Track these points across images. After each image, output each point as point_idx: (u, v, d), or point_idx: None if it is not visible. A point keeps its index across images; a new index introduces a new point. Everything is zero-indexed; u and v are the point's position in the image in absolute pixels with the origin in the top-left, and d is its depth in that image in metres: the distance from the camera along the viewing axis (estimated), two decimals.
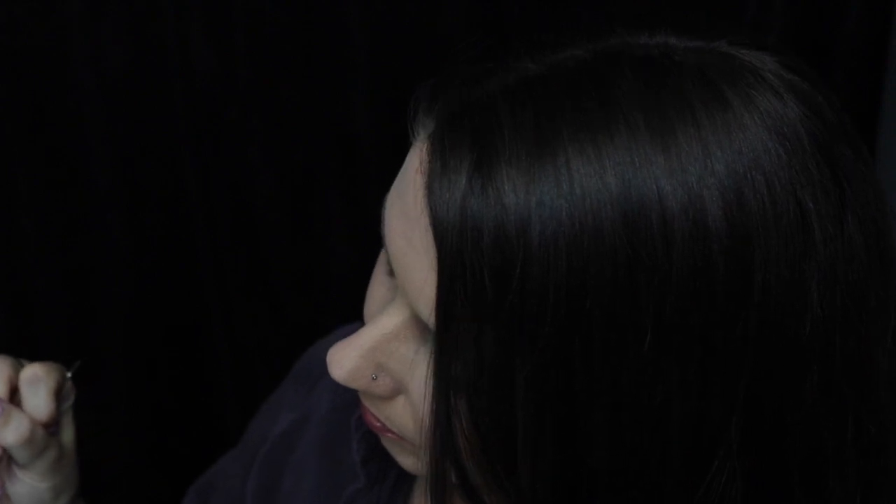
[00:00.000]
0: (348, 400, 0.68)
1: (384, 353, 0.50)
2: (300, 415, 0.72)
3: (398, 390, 0.51)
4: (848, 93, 1.14)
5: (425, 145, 0.45)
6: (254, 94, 1.13)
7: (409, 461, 0.54)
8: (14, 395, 0.65)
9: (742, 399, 0.43)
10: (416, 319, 0.48)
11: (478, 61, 0.47)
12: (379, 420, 0.53)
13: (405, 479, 0.64)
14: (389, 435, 0.53)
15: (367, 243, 0.68)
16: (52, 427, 0.64)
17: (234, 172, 1.16)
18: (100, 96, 1.12)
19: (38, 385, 0.66)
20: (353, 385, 0.50)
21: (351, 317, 0.61)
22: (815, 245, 0.42)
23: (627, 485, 0.44)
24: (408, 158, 0.48)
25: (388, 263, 0.49)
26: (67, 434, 0.66)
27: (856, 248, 0.43)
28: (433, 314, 0.45)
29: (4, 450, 0.62)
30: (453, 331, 0.44)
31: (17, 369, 0.67)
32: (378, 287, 0.52)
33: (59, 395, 0.66)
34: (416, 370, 0.49)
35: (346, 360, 0.50)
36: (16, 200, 1.15)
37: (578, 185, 0.41)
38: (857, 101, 1.14)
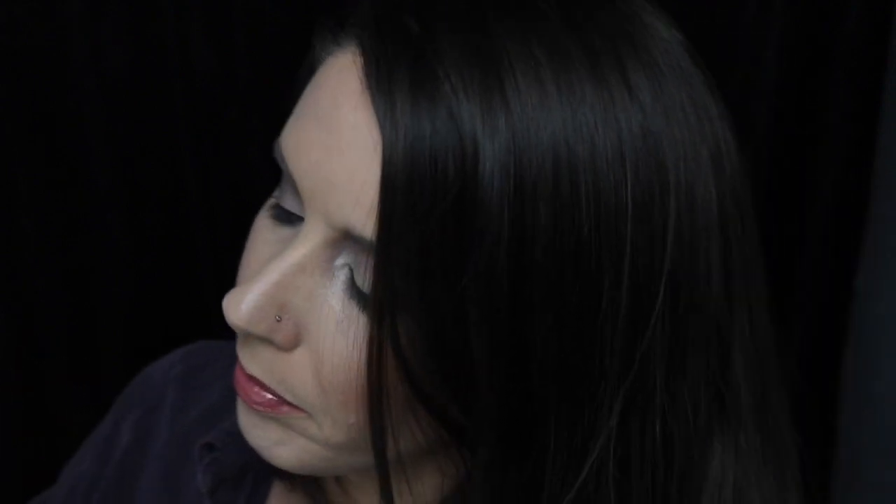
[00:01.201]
0: (187, 426, 0.64)
1: (290, 288, 0.46)
2: (135, 445, 0.67)
3: (298, 339, 0.47)
4: (848, 93, 1.14)
5: (353, 57, 0.45)
6: (254, 94, 1.13)
7: (296, 446, 0.49)
8: None
9: (666, 304, 0.45)
10: (326, 246, 0.45)
11: None
12: (270, 389, 0.48)
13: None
14: (284, 409, 0.48)
15: None
16: None
17: (234, 172, 1.16)
18: (100, 96, 1.12)
19: None
20: (254, 329, 0.46)
21: None
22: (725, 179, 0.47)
23: (572, 382, 0.45)
24: (319, 76, 0.47)
25: (278, 219, 0.48)
26: None
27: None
28: (372, 219, 0.43)
29: None
30: (396, 235, 0.42)
31: None
32: (262, 246, 0.49)
33: None
34: (323, 306, 0.46)
35: (248, 298, 0.46)
36: (16, 200, 1.15)
37: (524, 100, 0.42)
38: (857, 101, 1.14)
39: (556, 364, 0.44)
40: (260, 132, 1.14)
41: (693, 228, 0.45)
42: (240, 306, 0.46)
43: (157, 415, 0.67)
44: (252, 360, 0.48)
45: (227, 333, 0.50)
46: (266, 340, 0.47)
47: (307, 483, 0.59)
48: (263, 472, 0.60)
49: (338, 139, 0.44)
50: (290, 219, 0.48)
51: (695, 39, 1.28)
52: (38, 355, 1.20)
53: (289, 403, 0.48)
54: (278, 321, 0.46)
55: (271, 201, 0.50)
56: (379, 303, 0.44)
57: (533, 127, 0.42)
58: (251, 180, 1.16)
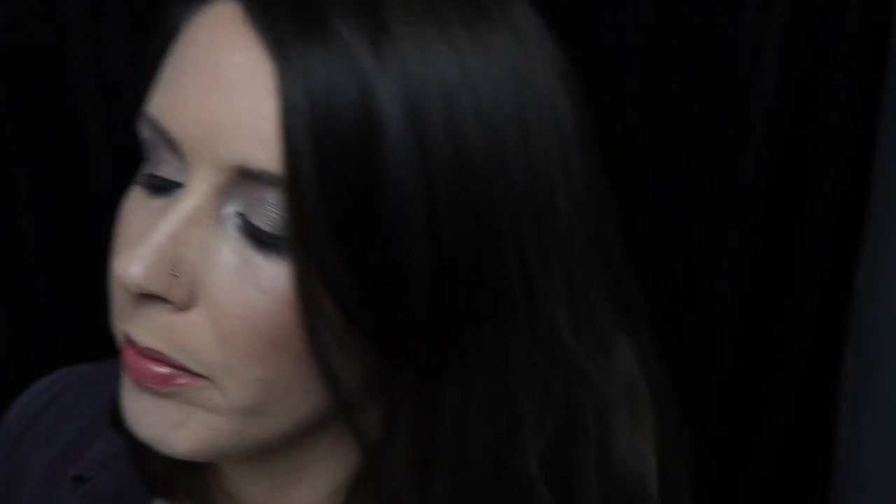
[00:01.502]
0: (57, 458, 0.61)
1: (182, 242, 0.45)
2: (3, 490, 0.63)
3: (194, 297, 0.45)
4: (848, 93, 1.14)
5: (229, 5, 0.46)
6: None
7: (199, 425, 0.47)
8: None
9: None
10: (215, 195, 0.45)
11: None
12: (167, 360, 0.46)
13: None
14: (182, 381, 0.46)
15: None
16: None
17: None
18: (100, 96, 1.12)
19: None
20: (152, 286, 0.45)
21: None
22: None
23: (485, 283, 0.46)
24: (188, 35, 0.47)
25: (150, 189, 0.48)
26: None
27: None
28: (274, 145, 0.43)
29: None
30: (304, 161, 0.42)
31: None
32: (137, 221, 0.48)
33: None
34: (217, 255, 0.45)
35: (141, 255, 0.45)
36: (16, 200, 1.15)
37: (409, 27, 0.44)
38: (857, 101, 1.14)
39: (465, 262, 0.45)
40: None
41: (549, 155, 0.48)
42: (133, 265, 0.45)
43: (21, 455, 0.64)
44: (146, 330, 0.47)
45: None
46: (161, 302, 0.46)
47: (193, 492, 0.56)
48: (140, 496, 0.57)
49: (221, 82, 0.44)
50: (165, 187, 0.47)
51: (695, 39, 1.28)
52: (38, 355, 1.20)
53: (188, 372, 0.46)
54: (175, 277, 0.45)
55: (141, 176, 0.49)
56: (297, 237, 0.43)
57: (423, 52, 0.44)
58: None
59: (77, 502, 0.56)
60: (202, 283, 0.45)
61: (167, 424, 0.47)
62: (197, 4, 0.48)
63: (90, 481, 0.57)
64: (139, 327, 0.47)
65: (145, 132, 0.48)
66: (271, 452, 0.51)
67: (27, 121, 1.13)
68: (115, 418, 0.54)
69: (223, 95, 0.44)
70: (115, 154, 1.15)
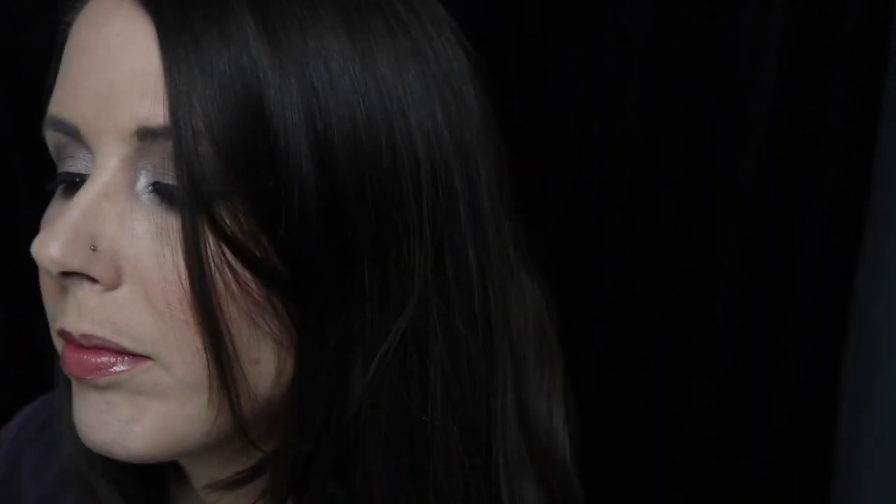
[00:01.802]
0: (48, 489, 0.61)
1: (97, 217, 0.45)
2: None
3: (120, 273, 0.45)
4: (848, 93, 1.14)
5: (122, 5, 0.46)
6: None
7: (152, 416, 0.46)
8: None
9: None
10: (123, 168, 0.45)
11: None
12: (105, 345, 0.45)
13: None
14: (125, 366, 0.45)
15: None
16: None
17: None
18: None
19: None
20: (71, 262, 0.44)
21: None
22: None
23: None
24: (70, 34, 0.48)
25: (65, 187, 0.48)
26: None
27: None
28: (162, 105, 0.43)
29: None
30: (186, 104, 0.43)
31: None
32: (54, 217, 0.48)
33: None
34: (135, 226, 0.45)
35: (56, 232, 0.44)
36: (16, 200, 1.15)
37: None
38: (857, 101, 1.14)
39: (365, 205, 0.45)
40: None
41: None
42: (50, 243, 0.44)
43: (13, 486, 0.63)
44: (78, 315, 0.46)
45: None
46: (88, 282, 0.45)
47: None
48: None
49: (107, 54, 0.45)
50: (78, 181, 0.47)
51: (695, 39, 1.28)
52: (38, 355, 1.20)
53: (129, 353, 0.45)
54: (94, 251, 0.45)
55: (54, 184, 0.49)
56: (186, 189, 0.43)
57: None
58: None
59: None
60: (125, 257, 0.45)
61: (119, 422, 0.46)
62: (77, 5, 0.49)
63: None
64: (70, 315, 0.46)
65: (50, 136, 0.48)
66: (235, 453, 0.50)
67: (27, 121, 1.13)
68: (76, 476, 0.55)
69: (111, 65, 0.45)
70: None
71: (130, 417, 0.46)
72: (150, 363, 0.45)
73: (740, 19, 1.12)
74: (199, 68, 0.43)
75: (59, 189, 0.49)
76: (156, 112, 0.44)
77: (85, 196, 0.45)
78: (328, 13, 0.46)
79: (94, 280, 0.45)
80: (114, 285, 0.45)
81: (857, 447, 1.16)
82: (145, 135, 0.44)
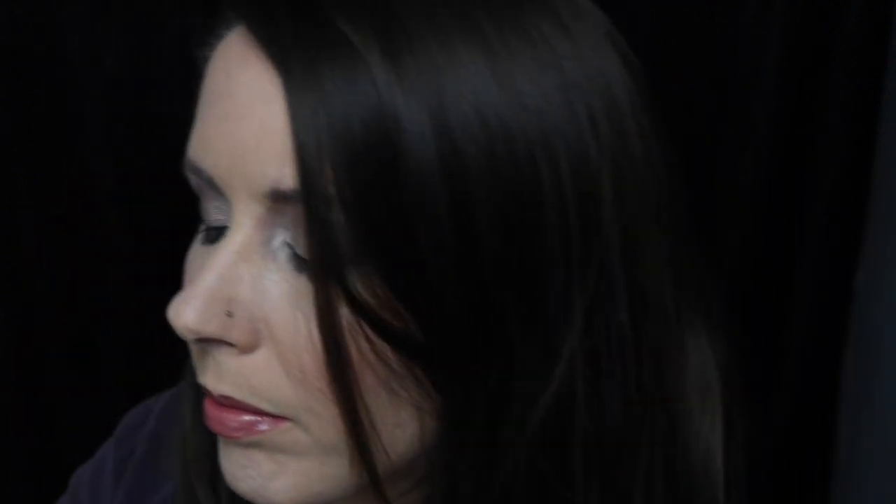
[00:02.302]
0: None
1: (233, 280, 0.43)
2: None
3: (257, 337, 0.44)
4: (848, 93, 1.14)
5: (240, 32, 0.44)
6: None
7: (292, 473, 0.46)
8: None
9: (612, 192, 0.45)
10: (259, 227, 0.43)
11: None
12: (245, 406, 0.45)
13: None
14: (264, 427, 0.45)
15: None
16: None
17: None
18: (100, 96, 1.12)
19: None
20: (207, 329, 0.43)
21: None
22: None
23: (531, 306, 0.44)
24: (207, 71, 0.46)
25: (207, 238, 0.46)
26: None
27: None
28: (291, 166, 0.41)
29: None
30: (318, 169, 0.40)
31: None
32: (192, 273, 0.47)
33: None
34: (272, 290, 0.43)
35: (192, 298, 0.43)
36: (16, 200, 1.15)
37: (423, 23, 0.42)
38: (857, 101, 1.14)
39: (509, 265, 0.43)
40: None
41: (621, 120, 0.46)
42: (185, 309, 0.43)
43: (152, 469, 0.62)
44: (218, 378, 0.45)
45: None
46: (225, 346, 0.44)
47: None
48: None
49: (237, 104, 0.43)
50: (220, 234, 0.46)
51: (695, 39, 1.28)
52: (38, 355, 1.20)
53: (268, 415, 0.45)
54: (230, 317, 0.43)
55: (198, 231, 0.48)
56: (318, 250, 0.41)
57: (448, 43, 0.41)
58: None
59: None
60: (261, 320, 0.44)
61: (262, 477, 0.46)
62: (218, 36, 0.47)
63: None
64: (210, 376, 0.46)
65: (190, 178, 0.47)
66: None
67: (27, 121, 1.13)
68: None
69: (241, 118, 0.43)
70: (115, 154, 1.15)
71: (271, 473, 0.46)
72: (289, 424, 0.45)
73: (740, 19, 1.12)
74: (329, 130, 0.40)
75: (201, 235, 0.48)
76: (286, 173, 0.41)
77: (221, 258, 0.44)
78: (467, 49, 0.42)
79: (231, 344, 0.44)
80: (251, 348, 0.44)
81: (857, 447, 1.16)
82: (278, 197, 0.42)
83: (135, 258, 1.18)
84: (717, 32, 1.13)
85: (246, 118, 0.43)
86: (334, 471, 0.46)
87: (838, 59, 1.13)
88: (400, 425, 0.45)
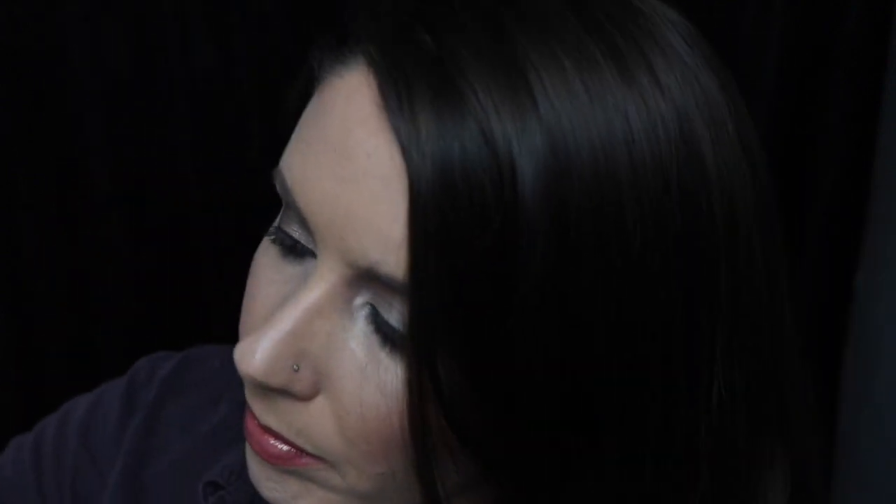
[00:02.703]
0: (192, 460, 0.59)
1: (306, 335, 0.42)
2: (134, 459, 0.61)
3: (317, 387, 0.43)
4: (848, 93, 1.14)
5: (365, 78, 0.41)
6: (254, 94, 1.13)
7: (316, 499, 0.46)
8: None
9: (722, 305, 0.43)
10: (344, 286, 0.42)
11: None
12: (288, 440, 0.45)
13: None
14: (303, 461, 0.45)
15: None
16: None
17: (234, 172, 1.16)
18: (100, 96, 1.12)
19: None
20: (271, 381, 0.42)
21: None
22: (743, 159, 0.45)
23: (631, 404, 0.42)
24: (325, 99, 0.43)
25: (283, 249, 0.45)
26: None
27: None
28: (405, 250, 0.39)
29: None
30: (432, 273, 0.39)
31: None
32: (268, 286, 0.45)
33: None
34: (344, 350, 0.42)
35: (262, 348, 0.42)
36: (16, 200, 1.15)
37: (552, 95, 0.39)
38: (857, 101, 1.14)
39: (610, 390, 0.41)
40: (260, 132, 1.14)
41: (734, 224, 0.44)
42: (254, 357, 0.42)
43: (160, 433, 0.62)
44: (267, 411, 0.45)
45: (228, 335, 0.49)
46: (283, 392, 0.44)
47: None
48: None
49: (353, 168, 0.41)
50: (298, 252, 0.45)
51: None
52: (38, 355, 1.20)
53: (309, 454, 0.45)
54: (296, 371, 0.42)
55: (274, 230, 0.46)
56: (416, 346, 0.40)
57: (570, 139, 0.39)
58: (251, 180, 1.16)
59: None
60: (327, 375, 0.43)
61: (287, 494, 0.46)
62: (334, 66, 0.44)
63: (224, 489, 0.56)
64: (260, 405, 0.45)
65: (279, 187, 0.45)
66: None
67: (27, 121, 1.13)
68: None
69: (354, 186, 0.40)
70: (115, 154, 1.15)
71: (297, 494, 0.46)
72: (326, 465, 0.45)
73: (740, 19, 1.12)
74: (449, 236, 0.38)
75: (277, 244, 0.46)
76: (388, 260, 0.40)
77: (297, 310, 0.42)
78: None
79: (290, 393, 0.44)
80: (309, 398, 0.44)
81: (857, 446, 1.16)
82: (373, 276, 0.41)
83: (135, 258, 1.18)
84: (717, 32, 1.13)
85: (359, 189, 0.40)
86: None
87: (838, 59, 1.13)
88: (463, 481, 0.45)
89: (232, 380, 0.59)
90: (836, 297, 1.20)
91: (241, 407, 0.50)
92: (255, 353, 0.42)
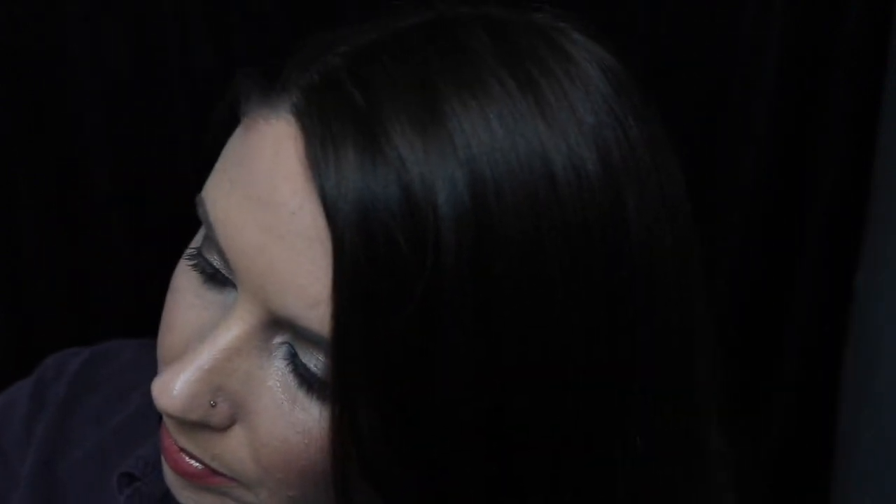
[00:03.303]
0: (107, 451, 0.60)
1: (224, 372, 0.43)
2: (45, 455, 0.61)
3: (233, 418, 0.44)
4: (848, 93, 1.14)
5: (293, 130, 0.41)
6: None
7: None
8: None
9: (638, 360, 0.43)
10: (262, 327, 0.42)
11: (318, 42, 0.45)
12: (203, 462, 0.45)
13: None
14: (216, 480, 0.46)
15: None
16: None
17: None
18: (100, 96, 1.12)
19: None
20: (188, 416, 0.43)
21: None
22: (661, 185, 0.44)
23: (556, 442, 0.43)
24: (251, 142, 0.43)
25: (204, 276, 0.45)
26: None
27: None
28: (325, 307, 0.40)
29: None
30: (355, 336, 0.39)
31: None
32: (188, 311, 0.46)
33: None
34: (261, 387, 0.43)
35: (180, 385, 0.42)
36: (16, 200, 1.15)
37: (474, 144, 0.39)
38: (857, 101, 1.14)
39: (529, 447, 0.42)
40: None
41: (653, 277, 0.44)
42: (171, 394, 0.43)
43: (71, 426, 0.62)
44: (182, 436, 0.46)
45: None
46: (200, 424, 0.45)
47: None
48: None
49: (277, 223, 0.41)
50: (219, 280, 0.45)
51: (695, 39, 1.28)
52: (38, 355, 1.20)
53: (222, 475, 0.46)
54: (213, 406, 0.43)
55: (193, 251, 0.47)
56: (338, 400, 0.41)
57: (491, 185, 0.39)
58: None
59: (123, 500, 0.56)
60: (243, 408, 0.44)
61: (204, 500, 0.47)
62: (261, 109, 0.44)
63: (140, 481, 0.56)
64: (176, 430, 0.46)
65: (200, 215, 0.46)
66: None
67: (27, 121, 1.13)
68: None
69: (279, 241, 0.41)
70: (115, 154, 1.15)
71: (207, 501, 0.47)
72: (240, 483, 0.46)
73: (740, 19, 1.12)
74: (371, 308, 0.39)
75: (196, 270, 0.46)
76: (309, 316, 0.40)
77: (214, 348, 0.43)
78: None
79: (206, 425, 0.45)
80: (225, 429, 0.45)
81: (857, 446, 1.16)
82: (293, 326, 0.42)
83: (135, 258, 1.18)
84: (717, 32, 1.13)
85: (282, 243, 0.41)
86: None
87: (838, 59, 1.13)
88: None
89: (145, 372, 0.60)
90: (836, 297, 1.20)
91: (152, 402, 0.52)
92: (173, 390, 0.42)
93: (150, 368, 0.53)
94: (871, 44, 1.12)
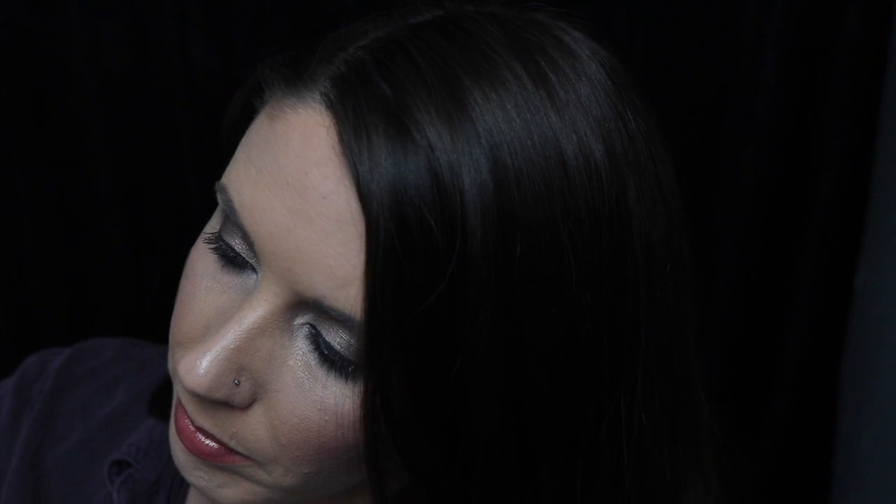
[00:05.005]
0: (93, 443, 0.61)
1: (248, 352, 0.44)
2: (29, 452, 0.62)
3: (254, 397, 0.46)
4: (848, 93, 1.14)
5: (322, 119, 0.43)
6: None
7: (241, 489, 0.48)
8: None
9: (641, 339, 0.46)
10: (286, 308, 0.44)
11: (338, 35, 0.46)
12: (220, 441, 0.47)
13: None
14: (231, 458, 0.47)
15: None
16: None
17: None
18: (100, 96, 1.12)
19: None
20: (213, 395, 0.44)
21: None
22: (658, 176, 0.47)
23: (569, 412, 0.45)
24: (278, 131, 0.44)
25: (223, 259, 0.46)
26: None
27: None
28: (357, 290, 0.41)
29: None
30: (389, 302, 0.41)
31: None
32: (206, 294, 0.47)
33: None
34: (282, 366, 0.45)
35: (207, 365, 0.44)
36: (16, 200, 1.15)
37: (496, 133, 0.41)
38: (857, 101, 1.14)
39: (547, 420, 0.44)
40: None
41: (651, 260, 0.46)
42: (198, 372, 0.44)
43: (58, 420, 0.64)
44: (201, 415, 0.47)
45: None
46: (223, 403, 0.46)
47: None
48: (178, 483, 0.58)
49: (307, 206, 0.42)
50: (238, 264, 0.46)
51: (695, 39, 1.28)
52: None
53: (238, 453, 0.47)
54: (237, 385, 0.45)
55: (211, 236, 0.48)
56: (369, 374, 0.42)
57: (511, 169, 0.41)
58: None
59: (117, 486, 0.57)
60: (265, 387, 0.45)
61: (213, 483, 0.48)
62: (288, 98, 0.45)
63: (132, 467, 0.57)
64: (194, 409, 0.47)
65: (222, 202, 0.46)
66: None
67: (27, 121, 1.13)
68: (156, 406, 0.55)
69: (308, 224, 0.42)
70: (115, 154, 1.15)
71: (223, 483, 0.48)
72: (254, 462, 0.47)
73: (740, 19, 1.12)
74: (405, 276, 0.41)
75: (216, 252, 0.47)
76: (338, 296, 0.42)
77: (240, 329, 0.44)
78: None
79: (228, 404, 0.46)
80: (246, 407, 0.46)
81: (857, 446, 1.16)
82: (319, 306, 0.43)
83: (135, 258, 1.18)
84: (717, 32, 1.13)
85: (311, 226, 0.42)
86: (284, 496, 0.49)
87: (838, 59, 1.13)
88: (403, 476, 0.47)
89: (126, 369, 0.61)
90: (836, 297, 1.20)
91: (138, 395, 0.52)
92: (200, 368, 0.44)
93: (133, 363, 0.54)
94: (871, 43, 1.12)
